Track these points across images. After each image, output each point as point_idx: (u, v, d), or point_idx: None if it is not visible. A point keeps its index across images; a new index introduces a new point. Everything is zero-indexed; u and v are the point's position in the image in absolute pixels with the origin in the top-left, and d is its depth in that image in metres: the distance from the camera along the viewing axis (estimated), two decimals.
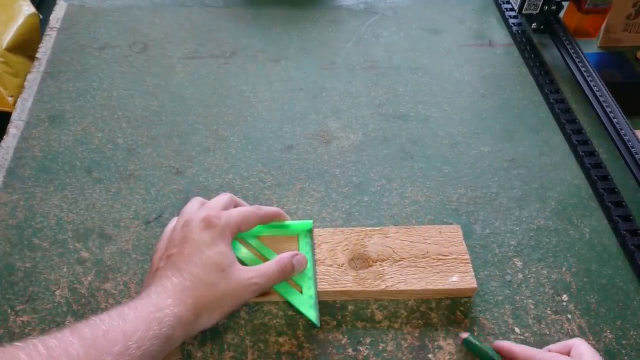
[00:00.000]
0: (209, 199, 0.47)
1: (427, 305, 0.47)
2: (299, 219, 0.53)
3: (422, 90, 0.69)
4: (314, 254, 0.48)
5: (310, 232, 0.50)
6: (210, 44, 0.73)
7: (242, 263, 0.45)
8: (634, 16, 0.74)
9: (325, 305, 0.47)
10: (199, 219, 0.41)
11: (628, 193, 0.56)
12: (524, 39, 0.75)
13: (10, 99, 0.93)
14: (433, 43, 0.76)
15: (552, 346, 0.43)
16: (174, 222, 0.45)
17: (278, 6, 0.81)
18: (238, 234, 0.44)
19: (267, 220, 0.47)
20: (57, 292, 0.46)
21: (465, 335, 0.44)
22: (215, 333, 0.45)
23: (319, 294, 0.46)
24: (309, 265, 0.47)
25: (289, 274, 0.44)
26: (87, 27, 0.74)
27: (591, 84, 0.65)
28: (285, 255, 0.44)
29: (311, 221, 0.50)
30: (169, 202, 0.54)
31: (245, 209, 0.45)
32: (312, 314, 0.44)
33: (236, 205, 0.46)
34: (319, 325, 0.44)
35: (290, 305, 0.46)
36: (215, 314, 0.39)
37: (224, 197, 0.46)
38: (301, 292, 0.45)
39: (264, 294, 0.44)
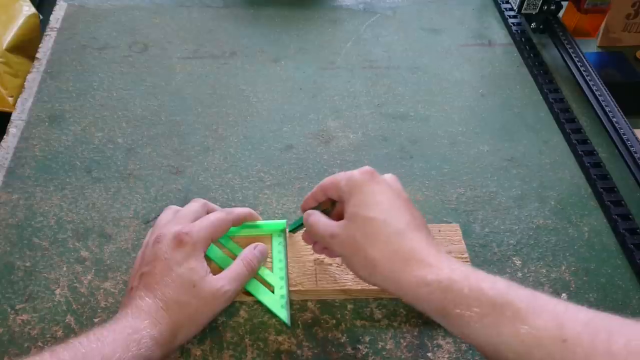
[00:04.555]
0: (208, 199, 0.47)
1: None
2: (299, 219, 0.53)
3: (422, 89, 0.69)
4: (286, 254, 0.48)
5: (283, 231, 0.49)
6: (210, 44, 0.74)
7: (216, 264, 0.45)
8: (633, 16, 0.74)
9: (324, 304, 0.47)
10: (171, 235, 0.41)
11: (627, 192, 0.56)
12: (523, 39, 0.75)
13: (10, 99, 0.94)
14: (433, 43, 0.76)
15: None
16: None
17: (278, 6, 0.81)
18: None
19: (239, 222, 0.47)
20: (57, 291, 0.46)
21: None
22: (214, 332, 0.45)
23: (321, 292, 0.46)
24: (282, 265, 0.47)
25: (256, 269, 0.45)
26: (87, 27, 0.74)
27: (590, 83, 0.65)
28: (248, 253, 0.45)
29: (285, 221, 0.49)
30: (169, 202, 0.54)
31: (216, 217, 0.44)
32: (283, 314, 0.44)
33: (209, 211, 0.46)
34: (290, 325, 0.44)
35: (262, 305, 0.45)
36: (192, 329, 0.40)
37: (195, 205, 0.46)
38: (273, 292, 0.45)
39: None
